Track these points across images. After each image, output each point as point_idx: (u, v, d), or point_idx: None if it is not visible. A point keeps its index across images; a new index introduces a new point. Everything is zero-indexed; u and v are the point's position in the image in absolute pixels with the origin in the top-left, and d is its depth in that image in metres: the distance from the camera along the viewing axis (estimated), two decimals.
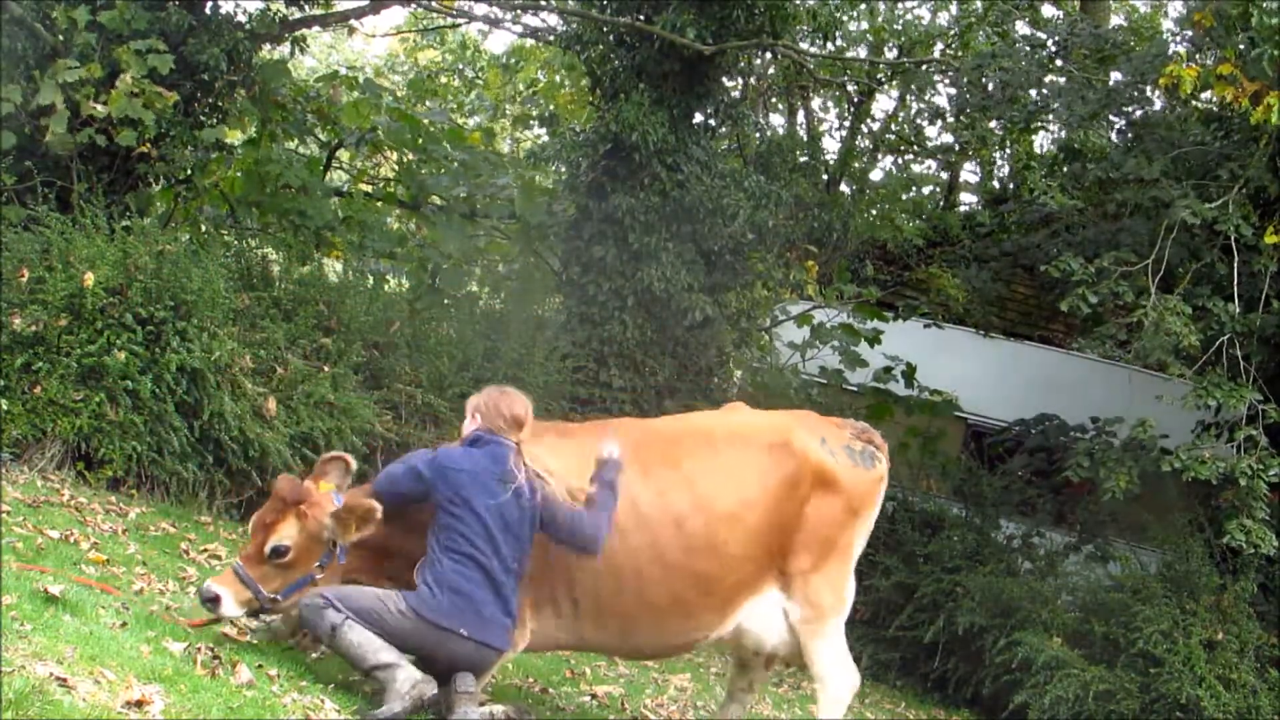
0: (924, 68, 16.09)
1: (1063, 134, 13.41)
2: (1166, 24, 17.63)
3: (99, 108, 9.19)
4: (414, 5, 15.28)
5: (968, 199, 20.33)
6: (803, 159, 14.37)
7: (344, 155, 15.05)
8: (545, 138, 16.97)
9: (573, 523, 5.30)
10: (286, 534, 5.26)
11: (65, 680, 3.91)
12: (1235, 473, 9.31)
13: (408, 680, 5.00)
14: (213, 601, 5.16)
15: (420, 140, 13.06)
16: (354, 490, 5.53)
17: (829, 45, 15.37)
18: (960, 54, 15.34)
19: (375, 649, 5.01)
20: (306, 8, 11.22)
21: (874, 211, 16.63)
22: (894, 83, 18.18)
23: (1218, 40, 10.23)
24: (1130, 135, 11.72)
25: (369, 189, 14.65)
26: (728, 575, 5.63)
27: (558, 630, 5.59)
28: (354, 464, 5.65)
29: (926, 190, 19.93)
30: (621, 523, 5.44)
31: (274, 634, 5.45)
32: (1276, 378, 10.43)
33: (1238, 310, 9.89)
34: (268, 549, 5.25)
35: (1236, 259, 9.96)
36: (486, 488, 5.18)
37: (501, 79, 20.60)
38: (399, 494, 5.31)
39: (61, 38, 9.56)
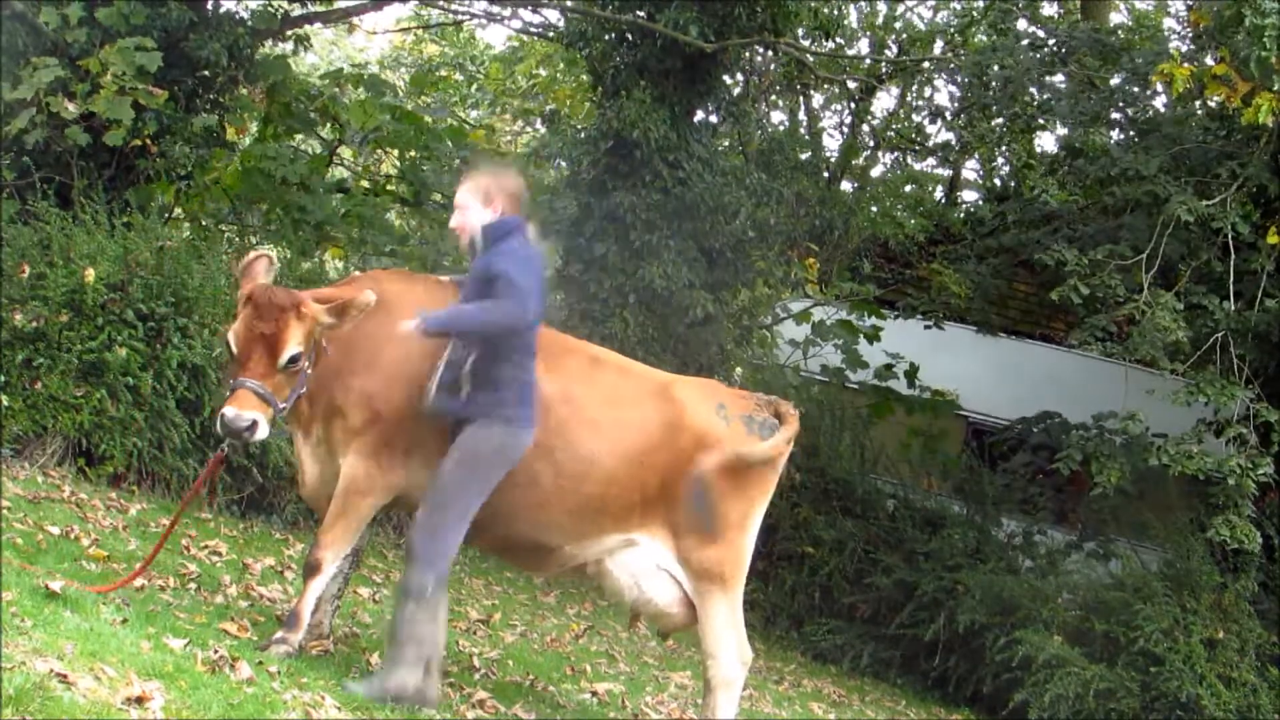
0: (926, 65, 16.09)
1: (1065, 134, 13.39)
2: (1169, 22, 17.61)
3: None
4: (414, 1, 15.28)
5: (969, 197, 20.30)
6: (804, 156, 14.35)
7: (346, 152, 15.01)
8: (544, 131, 16.92)
9: None
10: (296, 340, 5.06)
11: (65, 677, 3.90)
12: (1224, 469, 9.31)
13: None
14: (251, 428, 4.99)
15: (423, 137, 13.06)
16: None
17: (830, 43, 15.33)
18: (962, 51, 15.32)
19: None
20: (308, 4, 11.21)
21: (875, 208, 16.61)
22: (895, 80, 18.17)
23: (1214, 40, 10.23)
24: (1132, 134, 11.71)
25: (368, 185, 14.63)
26: (587, 481, 5.42)
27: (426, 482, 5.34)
28: (276, 260, 5.50)
29: (928, 188, 19.90)
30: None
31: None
32: (1270, 377, 10.42)
33: (1233, 308, 9.88)
34: (283, 359, 5.03)
35: (1234, 257, 9.95)
36: None
37: (503, 73, 20.57)
38: None
39: (61, 34, 9.54)
